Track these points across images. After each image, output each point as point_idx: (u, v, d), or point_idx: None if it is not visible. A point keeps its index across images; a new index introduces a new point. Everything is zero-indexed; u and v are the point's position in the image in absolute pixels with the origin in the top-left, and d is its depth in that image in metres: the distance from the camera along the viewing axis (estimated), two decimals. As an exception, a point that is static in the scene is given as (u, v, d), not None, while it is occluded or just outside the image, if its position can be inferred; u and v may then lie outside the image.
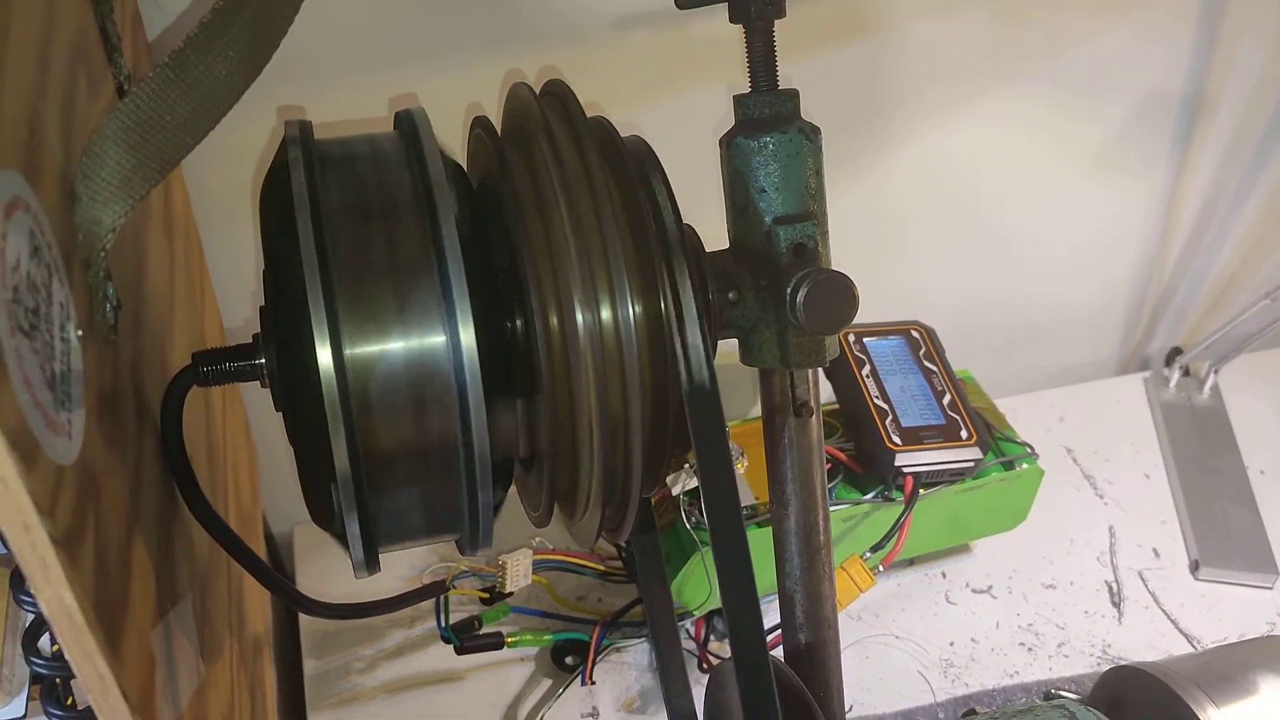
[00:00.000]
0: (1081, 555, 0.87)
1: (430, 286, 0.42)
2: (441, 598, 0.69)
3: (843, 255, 0.93)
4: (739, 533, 0.44)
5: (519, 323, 0.44)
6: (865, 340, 0.80)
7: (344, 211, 0.43)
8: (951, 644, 0.81)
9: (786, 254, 0.49)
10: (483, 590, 0.72)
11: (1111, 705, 0.53)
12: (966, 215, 0.95)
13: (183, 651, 0.44)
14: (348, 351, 0.41)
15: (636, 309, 0.44)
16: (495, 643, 0.72)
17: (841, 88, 0.84)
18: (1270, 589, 0.84)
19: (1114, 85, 0.90)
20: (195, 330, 0.64)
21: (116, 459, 0.39)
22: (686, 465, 0.77)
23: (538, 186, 0.45)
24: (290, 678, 0.80)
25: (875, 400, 0.77)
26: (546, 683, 0.78)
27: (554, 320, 0.44)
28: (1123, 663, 0.79)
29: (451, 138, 0.56)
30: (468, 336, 0.41)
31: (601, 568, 0.78)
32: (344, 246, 0.42)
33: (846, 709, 0.75)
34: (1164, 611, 0.83)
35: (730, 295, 0.50)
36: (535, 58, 0.73)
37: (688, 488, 0.74)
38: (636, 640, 0.78)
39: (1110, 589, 0.84)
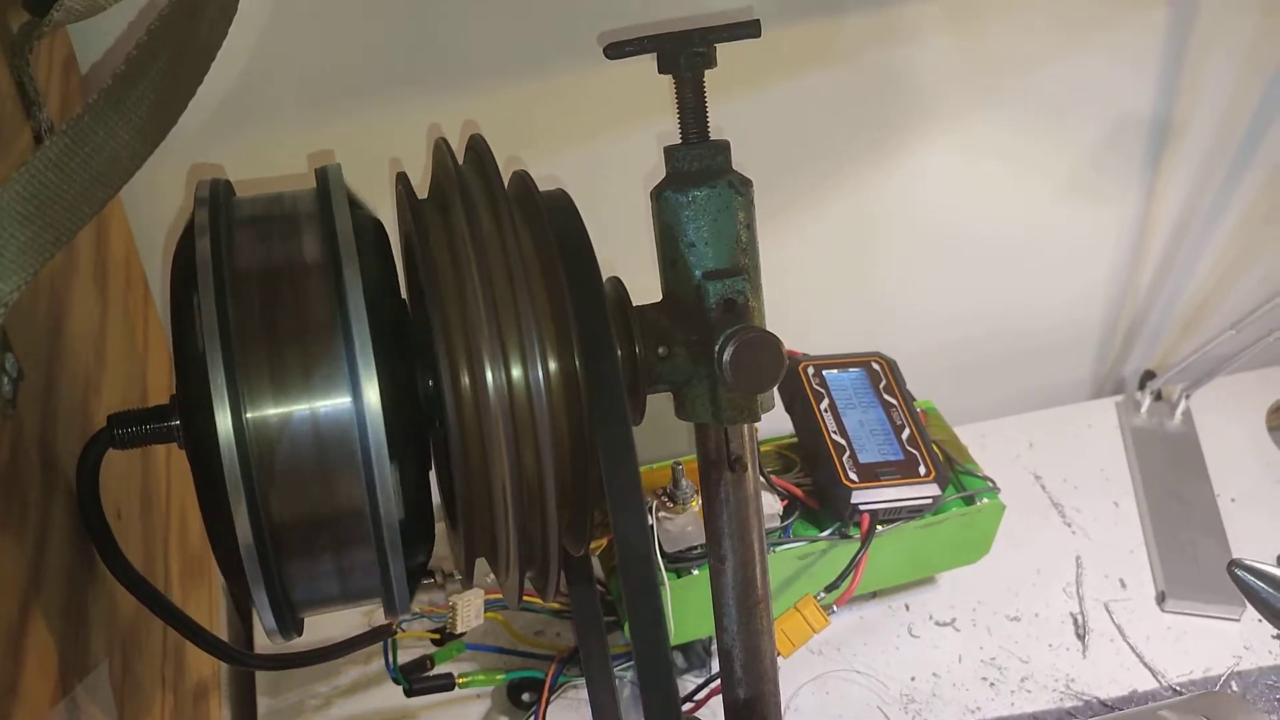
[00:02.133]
0: (1047, 586, 0.86)
1: (336, 350, 0.41)
2: (389, 640, 0.69)
3: (811, 281, 0.93)
4: (654, 600, 0.43)
5: (431, 384, 0.44)
6: (825, 373, 0.79)
7: (250, 274, 0.42)
8: (913, 679, 0.80)
9: (716, 309, 0.48)
10: (433, 631, 0.71)
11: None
12: (936, 241, 0.94)
13: (93, 723, 0.43)
14: (248, 416, 0.40)
15: (551, 368, 0.44)
16: (445, 684, 0.71)
17: (806, 116, 0.83)
18: (1237, 620, 0.83)
19: (1082, 108, 0.89)
20: (136, 378, 0.63)
21: (10, 539, 0.38)
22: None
23: (453, 247, 0.44)
24: (245, 718, 0.79)
25: (833, 435, 0.76)
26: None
27: (465, 381, 0.43)
28: (1084, 698, 0.78)
29: (383, 191, 0.55)
30: (373, 400, 0.41)
31: (556, 605, 0.77)
32: (248, 311, 0.41)
33: (803, 749, 0.75)
34: (1129, 645, 0.82)
35: (660, 350, 0.49)
36: (466, 106, 0.72)
37: (641, 525, 0.73)
38: (593, 677, 0.77)
39: (1075, 621, 0.84)
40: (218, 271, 0.41)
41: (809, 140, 0.85)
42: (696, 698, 0.74)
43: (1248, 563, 0.48)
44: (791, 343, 0.82)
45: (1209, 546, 0.88)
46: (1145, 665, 0.80)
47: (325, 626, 0.71)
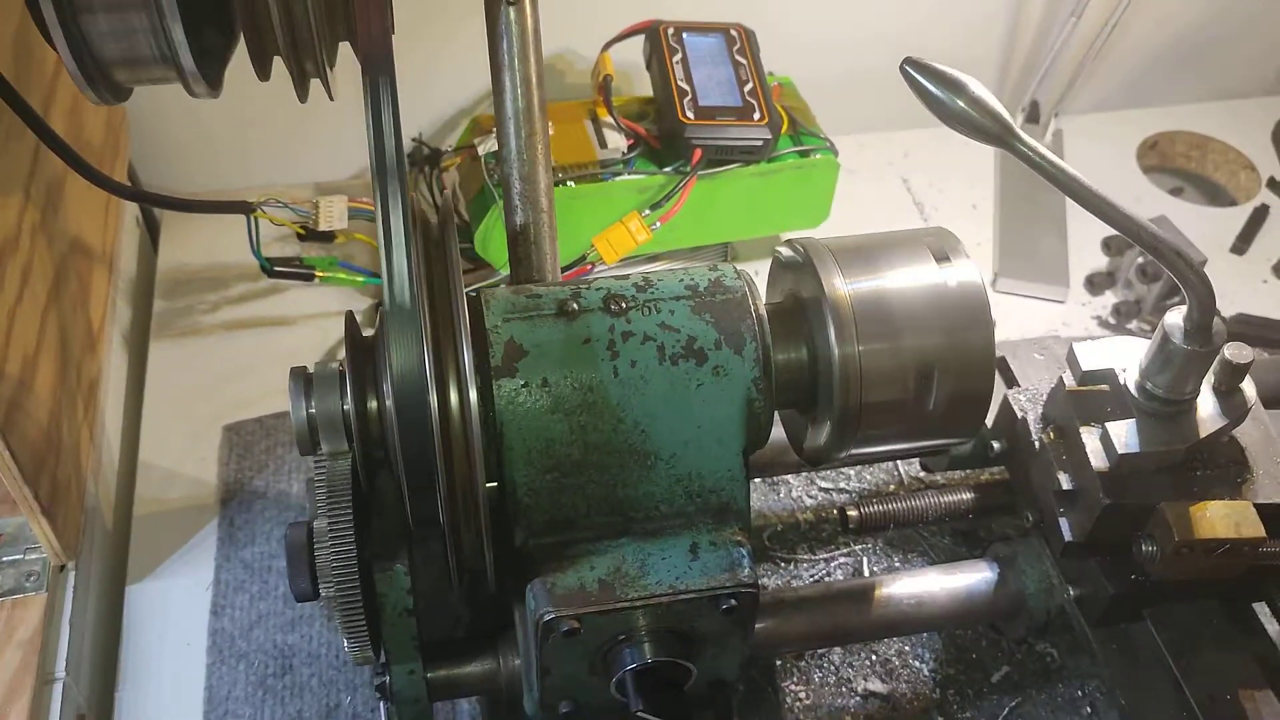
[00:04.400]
0: (892, 267, 0.93)
1: None
2: (252, 219, 0.76)
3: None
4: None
5: None
6: (684, 34, 0.85)
7: None
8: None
9: None
10: (298, 225, 0.79)
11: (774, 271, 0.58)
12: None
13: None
14: None
15: None
16: (306, 274, 0.79)
17: None
18: (1062, 302, 0.90)
19: None
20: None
21: None
22: (493, 131, 0.83)
23: None
24: (144, 317, 0.88)
25: (679, 83, 0.82)
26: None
27: None
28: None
29: None
30: None
31: (420, 227, 0.84)
32: None
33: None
34: (955, 314, 0.88)
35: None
36: None
37: (491, 149, 0.80)
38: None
39: (911, 294, 0.90)
40: None
41: None
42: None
43: (917, 60, 0.53)
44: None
45: (1049, 242, 0.94)
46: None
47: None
